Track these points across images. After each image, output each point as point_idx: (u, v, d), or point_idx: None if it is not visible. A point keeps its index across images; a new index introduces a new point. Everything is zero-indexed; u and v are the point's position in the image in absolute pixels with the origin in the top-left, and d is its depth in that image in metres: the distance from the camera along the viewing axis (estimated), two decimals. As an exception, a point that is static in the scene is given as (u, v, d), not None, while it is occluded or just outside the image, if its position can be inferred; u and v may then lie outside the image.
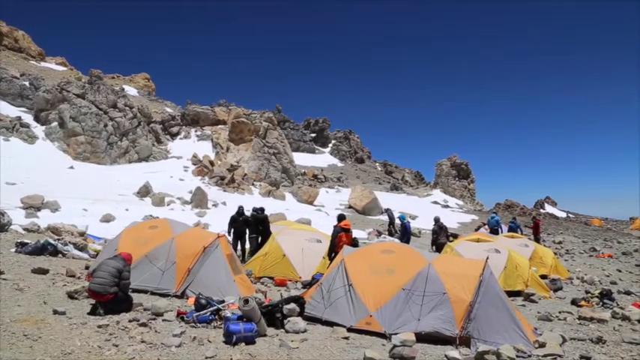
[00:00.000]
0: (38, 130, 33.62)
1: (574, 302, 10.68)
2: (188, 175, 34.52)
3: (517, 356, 6.37)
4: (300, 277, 11.69)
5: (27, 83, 43.29)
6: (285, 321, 7.20)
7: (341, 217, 11.54)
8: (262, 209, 14.76)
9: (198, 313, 7.09)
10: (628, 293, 11.88)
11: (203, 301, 7.38)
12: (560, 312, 9.59)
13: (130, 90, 61.62)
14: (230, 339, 6.13)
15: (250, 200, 28.77)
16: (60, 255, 11.34)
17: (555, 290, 12.17)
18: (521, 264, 12.17)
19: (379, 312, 7.25)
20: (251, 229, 14.07)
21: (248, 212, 15.11)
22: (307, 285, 10.77)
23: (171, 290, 8.73)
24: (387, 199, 39.14)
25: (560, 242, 26.14)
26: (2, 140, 29.84)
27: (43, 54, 66.23)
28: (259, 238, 13.73)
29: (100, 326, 6.35)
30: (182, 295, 8.68)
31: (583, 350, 6.90)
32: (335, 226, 11.13)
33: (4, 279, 8.33)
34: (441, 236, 16.87)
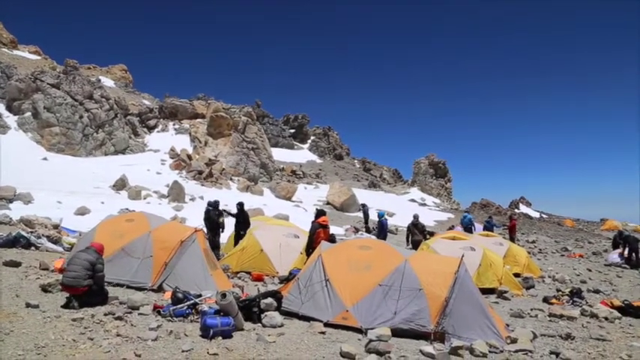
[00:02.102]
0: (10, 119, 32.73)
1: (545, 300, 10.96)
2: (165, 168, 34.09)
3: (490, 351, 6.54)
4: (277, 272, 11.71)
5: (-1, 71, 42.08)
6: (263, 315, 7.23)
7: (320, 213, 11.57)
8: (240, 204, 14.85)
9: (174, 307, 7.06)
10: (597, 292, 12.25)
11: (180, 295, 7.36)
12: (531, 309, 9.82)
13: (107, 81, 60.39)
14: (207, 333, 6.13)
15: (228, 195, 28.60)
16: (33, 248, 11.12)
17: (528, 288, 12.45)
18: (496, 262, 12.41)
19: (356, 307, 7.33)
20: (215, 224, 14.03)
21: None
22: (284, 280, 10.81)
23: (147, 284, 8.67)
24: (365, 196, 39.32)
25: (533, 242, 26.72)
26: (-28, 129, 29.01)
27: (15, 42, 64.36)
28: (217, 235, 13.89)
29: (74, 319, 6.29)
30: (159, 289, 8.62)
31: (553, 346, 7.10)
32: (313, 222, 11.17)
33: (-26, 271, 8.16)
34: (415, 233, 17.07)
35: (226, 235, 14.91)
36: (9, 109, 34.42)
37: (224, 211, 14.61)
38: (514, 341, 6.99)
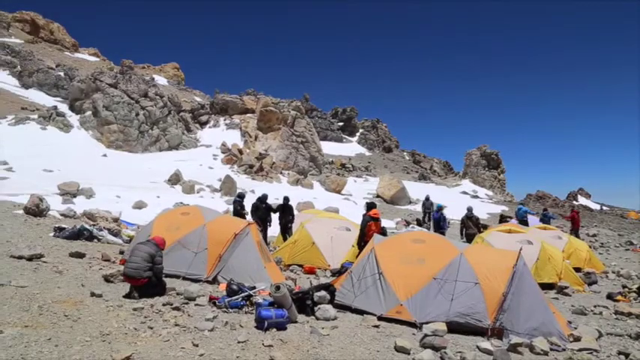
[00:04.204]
0: (73, 119, 34.44)
1: (610, 297, 10.39)
2: (217, 163, 34.87)
3: (551, 349, 6.26)
4: (329, 265, 11.70)
5: (62, 74, 44.42)
6: (316, 308, 7.24)
7: (370, 206, 11.48)
8: (285, 198, 15.32)
9: (229, 299, 7.19)
10: (668, 288, 11.47)
11: (235, 287, 7.48)
12: (595, 306, 9.35)
13: (160, 79, 62.45)
14: (262, 324, 6.20)
15: (279, 189, 28.92)
16: (95, 240, 11.64)
17: (590, 284, 11.85)
18: (555, 256, 11.89)
19: (410, 301, 7.22)
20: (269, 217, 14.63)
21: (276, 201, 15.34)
22: (336, 273, 10.78)
23: (202, 276, 8.87)
24: (416, 189, 38.79)
25: (594, 235, 25.44)
26: (40, 129, 30.70)
27: (76, 45, 67.82)
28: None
29: (135, 309, 6.52)
30: (213, 281, 8.81)
31: (621, 346, 6.71)
32: (364, 215, 11.10)
33: (44, 262, 8.62)
34: (469, 226, 16.66)
35: (277, 229, 15.18)
36: (72, 108, 36.29)
37: (266, 204, 14.84)
38: (577, 339, 6.66)
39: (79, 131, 33.22)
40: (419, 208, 30.67)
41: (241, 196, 15.06)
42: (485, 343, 6.26)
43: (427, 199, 24.67)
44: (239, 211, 14.27)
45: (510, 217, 23.59)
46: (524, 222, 20.28)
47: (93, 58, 64.59)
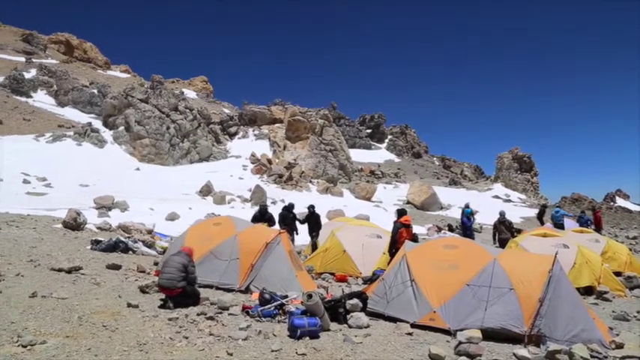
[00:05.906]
0: (107, 134, 35.49)
1: (654, 301, 10.00)
2: (247, 173, 35.25)
3: (592, 356, 6.04)
4: (360, 273, 11.66)
5: (95, 91, 45.92)
6: (348, 316, 7.21)
7: (401, 213, 11.41)
8: (310, 207, 15.39)
9: (262, 308, 7.23)
10: None
11: (267, 296, 7.52)
12: (638, 312, 8.99)
13: (189, 93, 63.70)
14: (295, 333, 6.21)
15: (308, 197, 29.03)
16: (130, 252, 11.93)
17: (631, 288, 11.42)
18: (593, 260, 11.52)
19: (443, 308, 7.11)
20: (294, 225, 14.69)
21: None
22: (368, 281, 10.75)
23: (235, 285, 8.94)
24: (446, 194, 38.30)
25: (634, 237, 24.54)
26: (75, 145, 31.74)
27: (108, 63, 70.06)
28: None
29: (170, 319, 6.62)
30: (246, 290, 8.87)
31: (668, 353, 6.43)
32: (395, 222, 11.03)
33: (82, 274, 8.87)
34: (502, 231, 16.33)
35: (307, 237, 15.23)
36: (105, 124, 37.43)
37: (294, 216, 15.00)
38: (620, 346, 6.41)
39: (112, 146, 34.19)
40: (450, 213, 30.37)
41: (262, 207, 15.18)
42: (522, 351, 6.10)
43: (467, 206, 23.75)
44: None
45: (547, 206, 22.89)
46: (559, 225, 19.75)
47: (124, 75, 66.52)
